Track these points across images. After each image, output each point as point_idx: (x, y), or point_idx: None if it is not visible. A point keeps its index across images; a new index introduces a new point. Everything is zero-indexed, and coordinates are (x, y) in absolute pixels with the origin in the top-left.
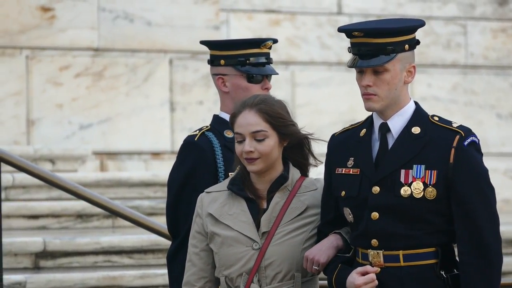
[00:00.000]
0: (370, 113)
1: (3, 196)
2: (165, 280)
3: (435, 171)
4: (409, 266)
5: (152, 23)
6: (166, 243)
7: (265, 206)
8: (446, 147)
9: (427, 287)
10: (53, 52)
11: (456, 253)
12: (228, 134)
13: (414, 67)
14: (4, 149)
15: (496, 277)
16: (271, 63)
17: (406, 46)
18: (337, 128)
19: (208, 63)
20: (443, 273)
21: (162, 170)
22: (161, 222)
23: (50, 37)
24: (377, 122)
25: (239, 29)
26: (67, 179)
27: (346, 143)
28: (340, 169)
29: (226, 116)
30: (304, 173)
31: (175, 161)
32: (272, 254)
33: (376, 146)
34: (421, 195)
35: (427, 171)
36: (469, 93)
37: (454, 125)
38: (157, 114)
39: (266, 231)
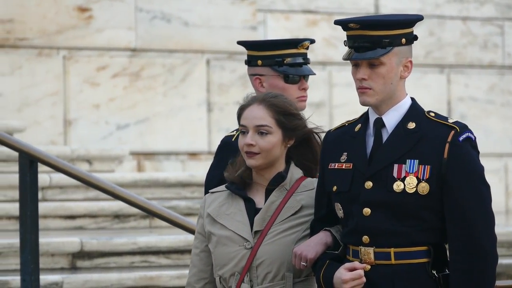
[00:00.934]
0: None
1: (40, 196)
2: None
3: (429, 166)
4: (400, 264)
5: (189, 24)
6: None
7: (262, 205)
8: (441, 142)
9: (418, 286)
10: (90, 52)
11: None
12: None
13: (410, 62)
14: (41, 149)
15: (488, 279)
16: (309, 64)
17: (403, 40)
18: None
19: (246, 64)
20: (434, 272)
21: (199, 170)
22: None
23: (87, 38)
24: (372, 117)
25: (276, 29)
26: (104, 180)
27: (340, 139)
28: (333, 164)
29: None
30: (310, 175)
31: (212, 161)
32: (263, 254)
33: (370, 141)
34: (414, 190)
35: (420, 166)
36: (506, 93)
37: (450, 120)
38: (194, 114)
39: (259, 230)
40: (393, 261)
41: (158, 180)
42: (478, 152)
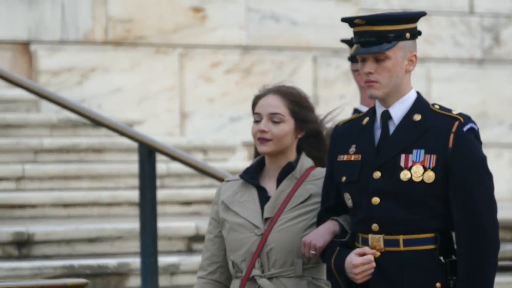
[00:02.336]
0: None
1: (158, 184)
2: None
3: (434, 155)
4: (409, 251)
5: (297, 23)
6: None
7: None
8: (446, 133)
9: (426, 272)
10: (204, 50)
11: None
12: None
13: (415, 56)
14: (159, 140)
15: (492, 261)
16: None
17: (408, 35)
18: None
19: (348, 60)
20: (442, 258)
21: None
22: None
23: (202, 36)
24: (379, 110)
25: None
26: (218, 168)
27: (349, 132)
28: (342, 156)
29: (365, 109)
30: (320, 165)
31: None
32: (273, 240)
33: (378, 133)
34: (420, 179)
35: (426, 155)
36: None
37: (454, 112)
38: None
39: (269, 217)
40: (401, 248)
41: None
42: (481, 142)
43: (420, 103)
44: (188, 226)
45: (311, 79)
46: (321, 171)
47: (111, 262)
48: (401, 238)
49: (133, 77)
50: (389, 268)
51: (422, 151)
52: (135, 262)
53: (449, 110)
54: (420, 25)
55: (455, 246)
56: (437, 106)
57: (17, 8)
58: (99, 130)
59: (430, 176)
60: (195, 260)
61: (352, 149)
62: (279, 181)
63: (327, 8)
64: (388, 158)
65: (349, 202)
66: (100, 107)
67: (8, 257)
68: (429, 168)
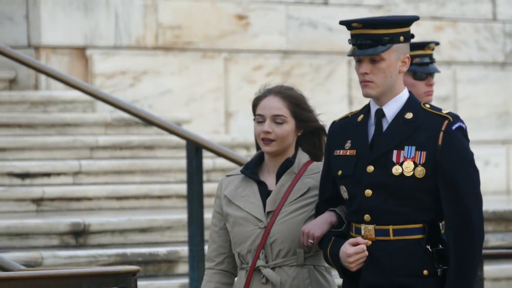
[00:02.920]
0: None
1: (204, 178)
2: None
3: (425, 152)
4: (398, 240)
5: (333, 29)
6: None
7: (273, 188)
8: (435, 131)
9: (414, 260)
10: (247, 54)
11: (442, 229)
12: None
13: (408, 57)
14: (205, 138)
15: (478, 249)
16: (434, 63)
17: (401, 38)
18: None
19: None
20: (429, 247)
21: None
22: None
23: (245, 41)
24: (374, 108)
25: None
26: None
27: (344, 128)
28: (338, 151)
29: None
30: (316, 160)
31: None
32: (276, 232)
33: (372, 130)
34: (411, 174)
35: (417, 151)
36: None
37: (444, 111)
38: (337, 107)
39: (271, 210)
40: (391, 237)
41: None
42: (469, 140)
43: (412, 102)
44: None
45: (346, 81)
46: (317, 165)
47: (161, 250)
48: (390, 228)
49: (182, 79)
50: (379, 256)
51: (413, 148)
52: (184, 250)
53: (439, 110)
54: (447, 31)
55: (442, 236)
56: (427, 106)
57: (74, 16)
58: (150, 129)
59: (420, 171)
60: None
61: (348, 144)
62: (279, 176)
63: (361, 15)
64: (381, 153)
65: (344, 194)
66: (151, 107)
67: (66, 246)
68: (419, 163)
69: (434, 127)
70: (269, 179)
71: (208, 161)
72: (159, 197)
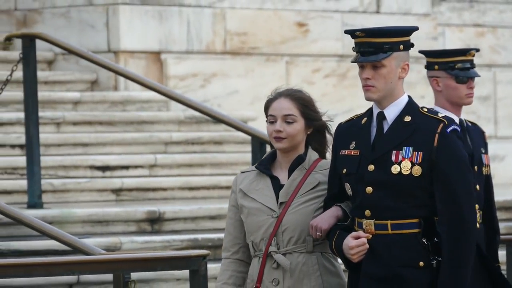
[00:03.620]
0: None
1: None
2: None
3: (421, 152)
4: (395, 234)
5: None
6: None
7: (286, 182)
8: (431, 133)
9: (410, 252)
10: (307, 58)
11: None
12: None
13: (407, 65)
14: None
15: (471, 244)
16: (475, 68)
17: (401, 47)
18: None
19: (425, 68)
20: (424, 240)
21: None
22: None
23: (305, 47)
24: (375, 111)
25: (452, 39)
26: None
27: (349, 130)
28: (343, 151)
29: (440, 110)
30: (323, 156)
31: None
32: (287, 221)
33: (374, 131)
34: (408, 172)
35: (414, 152)
36: None
37: (440, 115)
38: None
39: (284, 201)
40: (389, 231)
41: None
42: (463, 141)
43: (410, 106)
44: None
45: None
46: (326, 162)
47: None
48: (389, 223)
49: (247, 81)
50: (379, 248)
51: (411, 149)
52: None
53: (436, 113)
54: (487, 37)
55: (437, 230)
56: (425, 109)
57: (150, 24)
58: (219, 126)
59: (417, 170)
60: None
61: (352, 145)
62: (291, 171)
63: (410, 23)
64: (381, 153)
65: (349, 191)
66: (219, 106)
67: (143, 232)
68: (416, 163)
69: (431, 129)
70: (281, 174)
71: None
72: (227, 188)
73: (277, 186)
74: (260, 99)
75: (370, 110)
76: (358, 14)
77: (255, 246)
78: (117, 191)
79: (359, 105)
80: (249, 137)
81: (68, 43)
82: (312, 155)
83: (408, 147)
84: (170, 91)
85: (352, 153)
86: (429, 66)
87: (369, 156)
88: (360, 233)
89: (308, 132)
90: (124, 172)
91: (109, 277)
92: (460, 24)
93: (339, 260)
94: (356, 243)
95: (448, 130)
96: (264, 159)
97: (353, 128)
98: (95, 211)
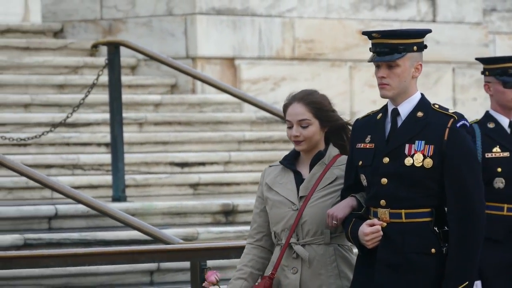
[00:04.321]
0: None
1: None
2: None
3: (432, 145)
4: (409, 222)
5: (440, 42)
6: None
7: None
8: (442, 127)
9: (422, 239)
10: (368, 63)
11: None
12: (491, 125)
13: (421, 65)
14: None
15: (480, 234)
16: None
17: (415, 48)
18: None
19: (481, 74)
20: (436, 228)
21: None
22: None
23: (367, 53)
24: (390, 107)
25: (502, 47)
26: None
27: (366, 125)
28: (359, 144)
29: (493, 113)
30: (344, 152)
31: None
32: (307, 214)
33: (388, 126)
34: (421, 164)
35: (426, 145)
36: None
37: (450, 111)
38: None
39: (304, 195)
40: (403, 220)
41: None
42: (472, 136)
43: (423, 103)
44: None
45: (451, 86)
46: (345, 158)
47: None
48: (403, 212)
49: (314, 85)
50: (393, 236)
51: (423, 142)
52: None
53: (446, 109)
54: None
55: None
56: (437, 106)
57: (225, 32)
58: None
59: (428, 163)
60: None
61: (368, 139)
62: (311, 166)
63: (463, 31)
64: (395, 146)
65: (364, 182)
66: None
67: (218, 223)
68: (428, 156)
69: (441, 124)
70: (303, 169)
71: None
72: None
73: (299, 180)
74: None
75: (385, 107)
76: (416, 23)
77: (277, 235)
78: (194, 185)
79: None
80: None
81: (150, 50)
82: (333, 150)
83: (420, 141)
84: (243, 94)
85: (367, 146)
86: (482, 72)
87: (383, 149)
88: (375, 220)
89: (325, 131)
90: (201, 168)
91: (186, 264)
92: (509, 32)
93: (355, 251)
94: (370, 230)
95: (458, 125)
96: (288, 154)
97: (369, 123)
98: (174, 204)
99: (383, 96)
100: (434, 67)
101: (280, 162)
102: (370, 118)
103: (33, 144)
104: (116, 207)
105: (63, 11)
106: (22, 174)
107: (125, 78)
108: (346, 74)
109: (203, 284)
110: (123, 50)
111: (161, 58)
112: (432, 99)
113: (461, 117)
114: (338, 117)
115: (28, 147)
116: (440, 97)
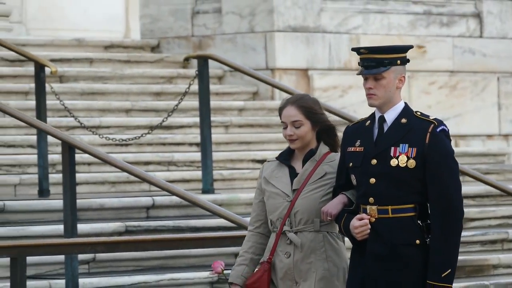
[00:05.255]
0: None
1: None
2: None
3: (415, 148)
4: (395, 217)
5: (486, 55)
6: None
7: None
8: (424, 132)
9: (408, 232)
10: (424, 73)
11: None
12: None
13: (404, 77)
14: None
15: (459, 225)
16: None
17: (399, 62)
18: None
19: None
20: (419, 222)
21: (493, 145)
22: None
23: (423, 64)
24: (377, 115)
25: None
26: None
27: (356, 131)
28: (350, 148)
29: None
30: (333, 150)
31: None
32: (298, 205)
33: (376, 132)
34: (405, 165)
35: (409, 148)
36: None
37: (431, 117)
38: (490, 111)
39: (296, 188)
40: (390, 215)
41: (467, 151)
42: (450, 140)
43: (406, 110)
44: None
45: (496, 92)
46: (334, 155)
47: None
48: (389, 208)
49: None
50: (381, 230)
51: (407, 145)
52: None
53: (427, 116)
54: None
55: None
56: (419, 113)
57: (299, 47)
58: None
59: (411, 163)
60: None
61: (358, 143)
62: (304, 162)
63: (506, 45)
64: (382, 149)
65: (354, 181)
66: (355, 112)
67: None
68: (411, 157)
69: (423, 129)
70: (297, 165)
71: None
72: None
73: (293, 174)
74: None
75: (373, 115)
76: (465, 38)
77: (273, 223)
78: None
79: (466, 111)
80: None
81: (234, 62)
82: (323, 149)
83: (404, 144)
84: None
85: (357, 150)
86: None
87: (372, 152)
88: (363, 215)
89: (316, 130)
90: None
91: None
92: None
93: (345, 239)
94: (359, 223)
95: (438, 130)
96: (284, 151)
97: (358, 129)
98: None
99: (370, 105)
100: (481, 76)
101: (276, 158)
102: (359, 125)
103: (133, 144)
104: (205, 198)
105: (159, 29)
106: (123, 170)
107: (213, 87)
108: (405, 82)
109: (210, 274)
110: (211, 63)
111: (244, 69)
112: (479, 104)
113: (440, 123)
114: (327, 118)
115: (129, 146)
116: (486, 103)
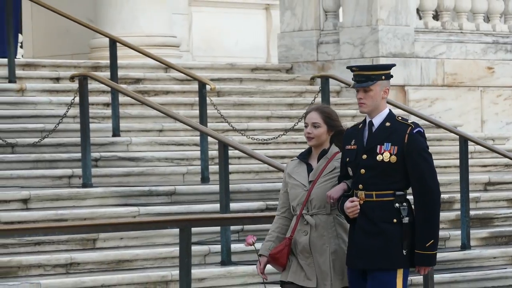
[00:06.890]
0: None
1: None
2: None
3: (396, 146)
4: (378, 200)
5: None
6: None
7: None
8: (403, 133)
9: (388, 212)
10: (493, 88)
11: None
12: None
13: (388, 89)
14: (470, 134)
15: (437, 205)
16: None
17: (383, 77)
18: None
19: None
20: (397, 205)
21: None
22: None
23: (492, 81)
24: (367, 120)
25: None
26: (500, 148)
27: (352, 132)
28: (348, 146)
29: None
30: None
31: None
32: (314, 193)
33: (366, 133)
34: (388, 160)
35: (392, 146)
36: None
37: (409, 121)
38: None
39: (312, 180)
40: (374, 199)
41: None
42: (425, 138)
43: (390, 116)
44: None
45: None
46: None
47: None
48: (374, 193)
49: (457, 103)
50: (367, 211)
51: (390, 144)
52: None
53: (406, 120)
54: None
55: (406, 197)
56: (400, 118)
57: (398, 68)
58: (440, 130)
59: (393, 159)
60: None
61: (353, 142)
62: (318, 159)
63: None
64: (371, 147)
65: (350, 173)
66: (440, 118)
67: None
68: (393, 154)
69: (402, 131)
70: (313, 162)
71: (471, 147)
72: (445, 167)
73: (310, 170)
74: (464, 113)
75: (364, 120)
76: None
77: (294, 208)
78: None
79: None
80: (457, 136)
81: (349, 81)
82: (334, 149)
83: (387, 143)
84: (410, 109)
85: (352, 148)
86: None
87: (362, 149)
88: (354, 198)
89: (331, 134)
90: None
91: None
92: None
93: None
94: (350, 205)
95: (414, 131)
96: (303, 152)
97: (354, 131)
98: None
99: (361, 112)
100: None
101: (297, 157)
102: (355, 128)
103: (272, 143)
104: None
105: (292, 56)
106: (265, 162)
107: (332, 99)
108: (478, 95)
109: (244, 244)
110: (331, 81)
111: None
112: None
113: (416, 125)
114: (341, 125)
115: (269, 144)
116: None
